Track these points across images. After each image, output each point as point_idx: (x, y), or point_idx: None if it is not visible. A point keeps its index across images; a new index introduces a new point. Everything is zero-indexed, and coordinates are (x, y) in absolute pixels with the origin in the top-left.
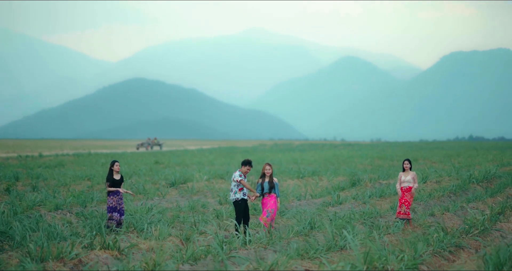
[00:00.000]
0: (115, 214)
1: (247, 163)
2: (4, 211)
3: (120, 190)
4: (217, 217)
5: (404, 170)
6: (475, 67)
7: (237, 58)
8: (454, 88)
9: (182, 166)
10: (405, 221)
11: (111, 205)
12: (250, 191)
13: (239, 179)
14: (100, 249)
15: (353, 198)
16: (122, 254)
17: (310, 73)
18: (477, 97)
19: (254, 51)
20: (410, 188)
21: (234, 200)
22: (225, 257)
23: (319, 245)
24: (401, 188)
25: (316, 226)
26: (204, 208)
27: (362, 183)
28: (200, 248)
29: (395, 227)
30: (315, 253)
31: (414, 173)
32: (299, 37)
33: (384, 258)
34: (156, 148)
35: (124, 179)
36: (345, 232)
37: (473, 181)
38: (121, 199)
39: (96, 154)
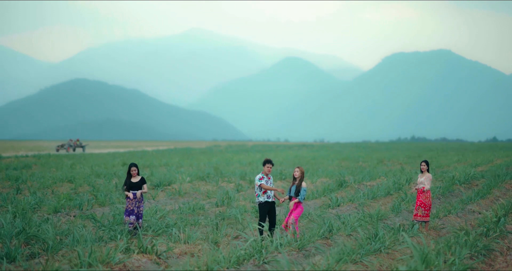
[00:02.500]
0: (131, 217)
1: (265, 162)
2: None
3: (129, 194)
4: (223, 220)
5: (422, 172)
6: (416, 68)
7: (179, 59)
8: (395, 89)
9: (151, 168)
10: (420, 223)
11: (127, 208)
12: (274, 190)
13: (259, 183)
14: (138, 253)
15: (350, 200)
16: (160, 258)
17: (253, 74)
18: (418, 97)
19: (196, 51)
20: (423, 189)
21: (258, 203)
22: (266, 261)
23: (356, 248)
24: (417, 190)
25: (334, 229)
26: (202, 210)
27: (348, 184)
28: (241, 252)
29: (413, 229)
30: (359, 256)
31: (430, 175)
32: (241, 37)
33: (437, 262)
34: (78, 150)
35: (146, 181)
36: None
37: (456, 182)
38: (140, 202)
39: (56, 156)
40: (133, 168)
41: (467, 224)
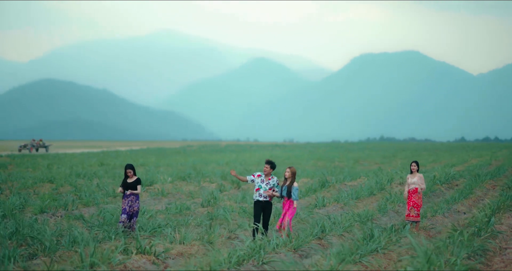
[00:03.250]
0: (123, 216)
1: (265, 162)
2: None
3: (119, 189)
4: (212, 220)
5: (411, 172)
6: (385, 69)
7: (148, 59)
8: (364, 89)
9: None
10: (410, 223)
11: (122, 207)
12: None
13: (248, 177)
14: (137, 253)
15: (335, 200)
16: (158, 259)
17: (221, 74)
18: (387, 98)
19: (165, 52)
20: (417, 189)
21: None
22: (265, 261)
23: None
24: (408, 191)
25: (326, 229)
26: (188, 210)
27: (331, 184)
28: (240, 252)
29: (405, 229)
30: (358, 256)
31: (421, 175)
32: (210, 38)
33: (439, 263)
34: (41, 150)
35: (141, 182)
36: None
37: (437, 182)
38: (133, 201)
39: (31, 156)
40: (129, 170)
41: (459, 224)
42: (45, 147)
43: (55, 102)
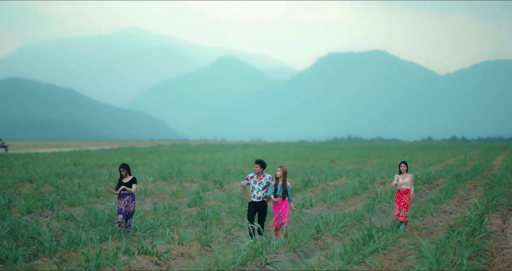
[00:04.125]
0: (119, 216)
1: (254, 162)
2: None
3: (112, 190)
4: (201, 219)
5: (400, 172)
6: (351, 68)
7: (114, 58)
8: (331, 89)
9: (105, 167)
10: (400, 223)
11: (118, 208)
12: (246, 195)
13: (242, 183)
14: (139, 254)
15: (322, 200)
16: (160, 259)
17: (188, 74)
18: (353, 97)
19: (131, 51)
20: (408, 190)
21: None
22: (269, 261)
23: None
24: (399, 191)
25: (322, 230)
26: (176, 210)
27: (314, 184)
28: (243, 252)
29: (400, 229)
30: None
31: (411, 175)
32: (176, 37)
33: (446, 263)
34: (1, 150)
35: (136, 181)
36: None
37: (419, 182)
38: (129, 201)
39: (3, 156)
40: (122, 169)
41: (453, 225)
42: (5, 147)
43: (20, 102)
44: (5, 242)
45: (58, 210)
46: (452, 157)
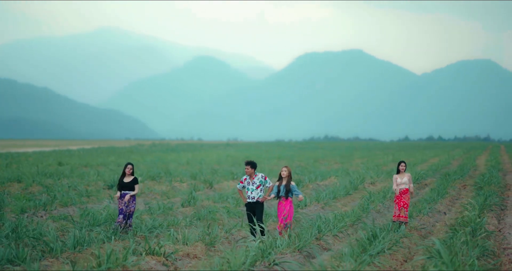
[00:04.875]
0: (120, 216)
1: (244, 164)
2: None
3: (116, 195)
4: (198, 219)
5: (398, 172)
6: (328, 68)
7: (91, 57)
8: (308, 88)
9: (90, 167)
10: (400, 223)
11: (118, 208)
12: (242, 197)
13: (237, 187)
14: (146, 254)
15: (315, 200)
16: (167, 260)
17: (165, 72)
18: (330, 97)
19: (108, 50)
20: (407, 189)
21: None
22: (277, 262)
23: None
24: (398, 190)
25: (323, 230)
26: (170, 210)
27: (304, 184)
28: (252, 253)
29: (401, 230)
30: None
31: (409, 174)
32: (153, 36)
33: (459, 263)
34: None
35: (138, 182)
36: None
37: None
38: (130, 201)
39: None
40: (130, 166)
41: (456, 224)
42: None
43: None
44: (12, 243)
45: (51, 210)
46: (435, 157)
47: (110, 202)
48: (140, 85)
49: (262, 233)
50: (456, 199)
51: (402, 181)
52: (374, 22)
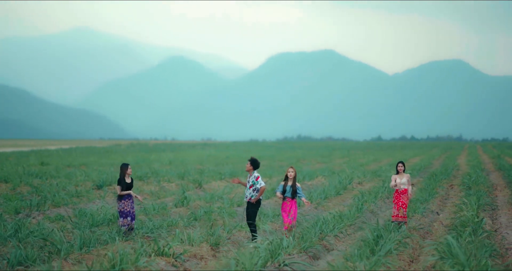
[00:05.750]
0: (128, 219)
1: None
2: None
3: (132, 193)
4: (195, 219)
5: (397, 172)
6: (301, 68)
7: (64, 58)
8: (280, 88)
9: (73, 167)
10: (399, 223)
11: (123, 210)
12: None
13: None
14: (155, 256)
15: (308, 200)
16: (176, 261)
17: (138, 73)
18: (303, 97)
19: (81, 50)
20: (406, 190)
21: None
22: (287, 262)
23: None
24: (396, 191)
25: (323, 230)
26: (165, 210)
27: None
28: (263, 254)
29: (402, 230)
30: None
31: (408, 175)
32: (127, 36)
33: (471, 263)
34: None
35: (134, 183)
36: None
37: None
38: (133, 202)
39: None
40: (129, 166)
41: (455, 224)
42: None
43: None
44: (20, 244)
45: (44, 211)
46: (415, 156)
47: (103, 203)
48: (113, 86)
49: (253, 231)
50: (446, 199)
51: (401, 181)
52: (347, 22)
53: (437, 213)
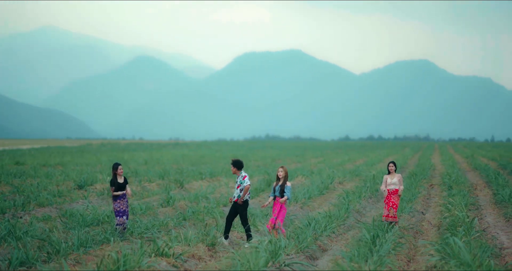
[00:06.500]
0: (123, 218)
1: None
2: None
3: (126, 192)
4: (184, 219)
5: (389, 172)
6: (268, 68)
7: (30, 57)
8: (247, 88)
9: (48, 167)
10: (390, 223)
11: (119, 209)
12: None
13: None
14: (155, 256)
15: (294, 200)
16: (176, 261)
17: (105, 72)
18: (270, 96)
19: (47, 49)
20: (397, 190)
21: None
22: (287, 263)
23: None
24: (388, 191)
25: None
26: (151, 210)
27: (273, 183)
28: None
29: (394, 230)
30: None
31: (400, 175)
32: (94, 36)
33: (478, 263)
34: None
35: (128, 182)
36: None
37: (377, 182)
38: (127, 201)
39: None
40: (120, 167)
41: (448, 224)
42: None
43: None
44: (19, 245)
45: (29, 211)
46: (389, 156)
47: (88, 203)
48: (80, 85)
49: (249, 234)
50: (428, 199)
51: (392, 181)
52: (314, 23)
53: (422, 212)
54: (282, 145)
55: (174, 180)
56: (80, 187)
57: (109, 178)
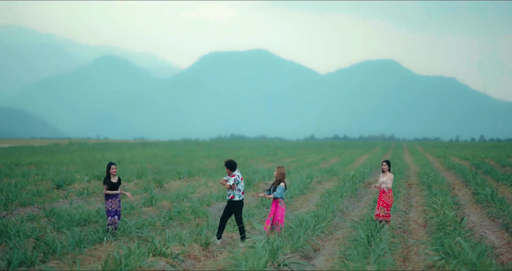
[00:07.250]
0: (115, 218)
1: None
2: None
3: (119, 192)
4: (170, 219)
5: (383, 171)
6: (234, 67)
7: None
8: (213, 87)
9: (21, 166)
10: (382, 223)
11: (110, 209)
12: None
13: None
14: (153, 256)
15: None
16: (174, 261)
17: (69, 72)
18: (236, 96)
19: (9, 48)
20: (389, 189)
21: None
22: (286, 262)
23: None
24: (379, 189)
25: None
26: (134, 210)
27: (255, 183)
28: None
29: (384, 229)
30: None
31: (391, 174)
32: (57, 35)
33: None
34: None
35: (121, 181)
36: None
37: (356, 182)
38: (120, 201)
39: None
40: (113, 166)
41: (437, 224)
42: None
43: None
44: (16, 245)
45: (12, 210)
46: (361, 155)
47: (70, 202)
48: (43, 84)
49: (242, 233)
50: (408, 198)
51: (382, 180)
52: (280, 22)
53: (405, 212)
54: (250, 144)
55: (153, 180)
56: (58, 187)
57: (87, 178)
